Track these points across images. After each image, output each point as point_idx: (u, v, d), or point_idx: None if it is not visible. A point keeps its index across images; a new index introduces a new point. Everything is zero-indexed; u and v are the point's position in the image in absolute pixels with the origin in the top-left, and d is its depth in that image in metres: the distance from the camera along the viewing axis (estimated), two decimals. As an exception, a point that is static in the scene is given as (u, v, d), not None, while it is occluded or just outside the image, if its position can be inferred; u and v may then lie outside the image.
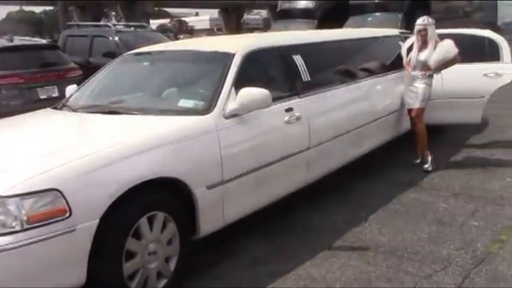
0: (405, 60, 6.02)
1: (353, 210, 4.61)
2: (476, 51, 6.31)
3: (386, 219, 4.39)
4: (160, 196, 3.18)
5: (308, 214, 4.55)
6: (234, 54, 3.99)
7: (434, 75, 5.78)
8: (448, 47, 5.60)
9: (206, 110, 3.60)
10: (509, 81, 6.09)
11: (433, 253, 3.73)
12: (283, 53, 4.51)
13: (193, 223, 3.42)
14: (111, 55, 8.77)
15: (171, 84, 4.30)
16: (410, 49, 5.99)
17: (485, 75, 6.11)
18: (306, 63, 4.59)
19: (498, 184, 5.20)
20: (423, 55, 5.70)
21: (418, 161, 5.89)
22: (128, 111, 3.86)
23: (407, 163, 5.93)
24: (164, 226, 3.20)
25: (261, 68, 4.34)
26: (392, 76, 6.04)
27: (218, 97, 3.66)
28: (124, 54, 5.07)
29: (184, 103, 3.78)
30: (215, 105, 3.62)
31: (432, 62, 5.64)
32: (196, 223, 3.41)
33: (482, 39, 6.45)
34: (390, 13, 12.19)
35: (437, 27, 5.94)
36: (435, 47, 5.64)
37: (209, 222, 3.49)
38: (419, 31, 5.73)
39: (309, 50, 4.89)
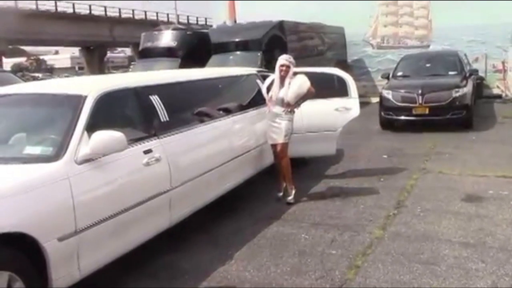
0: (265, 97, 6.25)
1: (219, 249, 4.62)
2: (328, 87, 6.78)
3: (251, 255, 4.45)
4: (2, 253, 2.90)
5: (173, 257, 4.46)
6: (86, 97, 3.85)
7: (295, 110, 6.07)
8: (301, 82, 5.94)
9: (55, 156, 3.41)
10: (357, 114, 6.63)
11: (296, 285, 3.85)
12: (140, 94, 4.45)
13: (45, 279, 3.17)
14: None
15: (18, 129, 4.01)
16: (270, 86, 6.25)
17: (336, 109, 6.60)
18: (164, 104, 4.58)
19: (353, 211, 5.56)
20: (281, 93, 5.97)
21: (281, 194, 6.10)
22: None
23: (271, 196, 6.12)
24: (9, 285, 2.92)
25: (116, 110, 4.24)
26: (252, 113, 6.24)
27: (69, 142, 3.50)
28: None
29: (31, 150, 3.55)
30: (66, 151, 3.45)
31: (289, 98, 5.93)
32: (48, 279, 3.17)
33: (332, 76, 6.97)
34: (250, 52, 12.69)
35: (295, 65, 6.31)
36: (289, 83, 5.96)
37: (63, 276, 3.26)
38: (282, 65, 6.00)
39: (168, 90, 4.90)
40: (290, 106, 5.98)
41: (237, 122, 5.87)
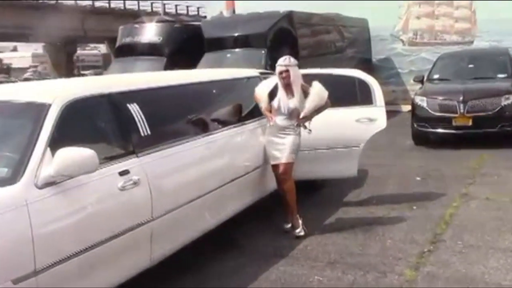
0: (265, 105, 6.14)
1: (212, 294, 4.63)
2: (347, 93, 6.82)
3: (251, 302, 4.46)
4: None
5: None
6: (50, 105, 3.87)
7: (306, 125, 6.06)
8: (320, 92, 5.96)
9: (11, 179, 3.43)
10: (384, 126, 6.64)
11: None
12: (116, 102, 4.49)
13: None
14: None
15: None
16: (272, 92, 6.12)
17: (358, 120, 6.61)
18: (145, 114, 4.60)
19: (378, 247, 5.56)
20: (292, 102, 5.93)
21: (289, 226, 6.08)
22: None
23: (277, 229, 6.11)
24: None
25: (86, 122, 4.28)
26: (253, 125, 6.26)
27: (28, 161, 3.52)
28: None
29: (-19, 171, 3.57)
30: (24, 171, 3.47)
31: (307, 110, 5.93)
32: (-1, 330, 3.18)
33: (352, 80, 6.98)
34: (252, 49, 12.78)
35: (306, 65, 6.28)
36: (305, 93, 5.94)
37: (18, 326, 3.27)
38: (281, 72, 5.98)
39: (150, 97, 4.95)
40: (303, 120, 5.99)
41: (236, 136, 5.91)
